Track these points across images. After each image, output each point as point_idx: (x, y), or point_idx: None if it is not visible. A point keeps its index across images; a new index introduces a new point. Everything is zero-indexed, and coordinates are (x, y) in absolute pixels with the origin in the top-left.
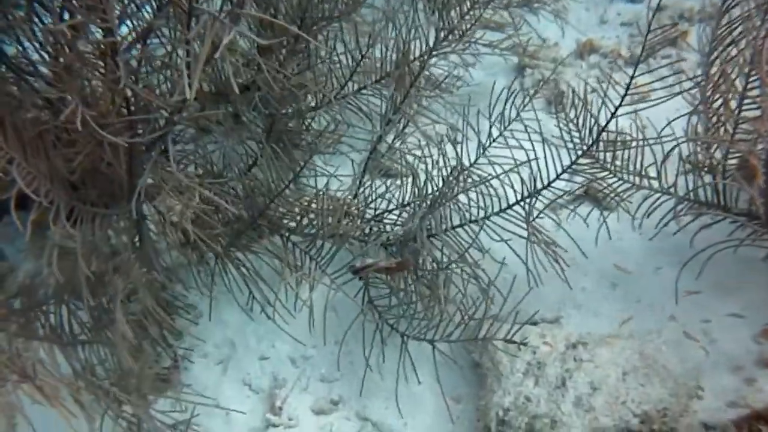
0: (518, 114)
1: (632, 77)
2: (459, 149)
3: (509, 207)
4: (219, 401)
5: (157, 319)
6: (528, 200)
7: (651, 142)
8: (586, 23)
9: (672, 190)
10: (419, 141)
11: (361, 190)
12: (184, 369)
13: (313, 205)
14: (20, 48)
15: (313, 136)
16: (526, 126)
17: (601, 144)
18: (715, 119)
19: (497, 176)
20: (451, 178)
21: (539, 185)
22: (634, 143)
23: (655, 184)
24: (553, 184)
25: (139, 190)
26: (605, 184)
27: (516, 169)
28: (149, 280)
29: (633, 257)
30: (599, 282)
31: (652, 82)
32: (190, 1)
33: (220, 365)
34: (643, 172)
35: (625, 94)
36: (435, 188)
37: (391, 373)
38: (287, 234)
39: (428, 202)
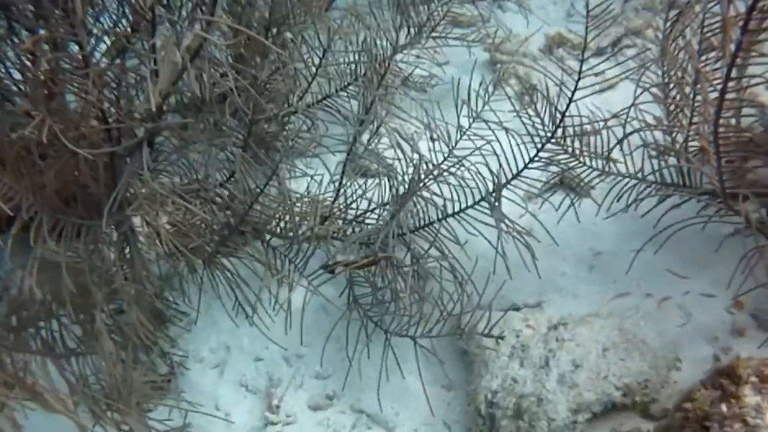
0: (485, 105)
1: (581, 64)
2: (432, 146)
3: (482, 199)
4: (217, 404)
5: (149, 328)
6: (497, 192)
7: (611, 125)
8: (554, 17)
9: (639, 174)
10: (392, 141)
11: (342, 191)
12: (181, 375)
13: (296, 208)
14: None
15: (289, 137)
16: (487, 122)
17: (565, 131)
18: (673, 106)
19: (460, 163)
20: (416, 175)
21: (509, 176)
22: (594, 128)
23: (622, 168)
24: (529, 175)
25: (117, 201)
26: (576, 173)
27: (486, 162)
28: (140, 291)
29: (607, 240)
30: (577, 266)
31: (612, 68)
32: (153, 10)
33: (216, 369)
34: (609, 159)
35: (578, 80)
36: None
37: (386, 363)
38: (268, 239)
39: (398, 200)
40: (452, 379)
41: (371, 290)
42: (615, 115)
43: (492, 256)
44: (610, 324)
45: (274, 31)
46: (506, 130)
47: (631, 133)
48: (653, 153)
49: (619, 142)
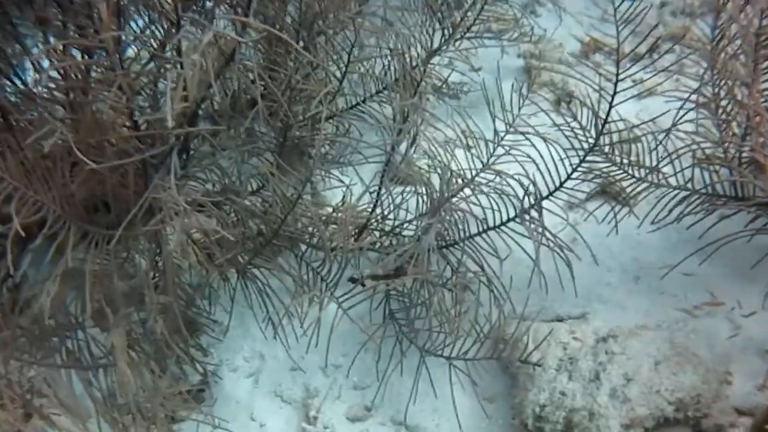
0: (520, 110)
1: (617, 68)
2: (468, 155)
3: (523, 212)
4: (252, 414)
5: (179, 337)
6: (538, 204)
7: (660, 137)
8: (588, 22)
9: (689, 185)
10: (428, 152)
11: (378, 202)
12: (215, 384)
13: (331, 219)
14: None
15: (323, 143)
16: (525, 134)
17: (608, 140)
18: (724, 115)
19: (498, 174)
20: (447, 188)
21: (551, 187)
22: (636, 136)
23: (672, 181)
24: (570, 184)
25: (143, 210)
26: (623, 185)
27: (525, 173)
28: (170, 300)
29: (652, 250)
30: (623, 276)
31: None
32: (177, 11)
33: (251, 378)
34: (657, 170)
35: (616, 85)
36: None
37: (423, 377)
38: (302, 252)
39: (433, 211)
40: (495, 391)
41: (407, 305)
42: (667, 131)
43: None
44: (660, 337)
45: (305, 34)
46: (545, 139)
47: (684, 148)
48: (704, 164)
49: (669, 155)
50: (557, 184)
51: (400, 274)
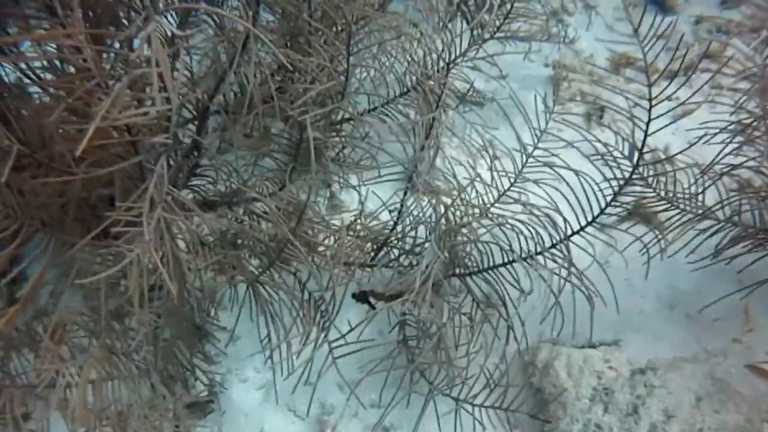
0: (546, 125)
1: (650, 96)
2: (494, 172)
3: (552, 246)
4: (263, 429)
5: (187, 343)
6: (566, 240)
7: (701, 167)
8: (620, 35)
9: (735, 218)
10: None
11: (399, 221)
12: (222, 395)
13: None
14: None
15: (341, 146)
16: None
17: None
18: None
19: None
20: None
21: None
22: (682, 168)
23: (720, 214)
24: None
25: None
26: (661, 213)
27: (554, 206)
28: (177, 304)
29: (688, 278)
30: (656, 304)
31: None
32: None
33: (262, 390)
34: (701, 202)
35: (650, 112)
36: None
37: (443, 398)
38: (303, 281)
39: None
40: (521, 417)
41: (419, 333)
42: (710, 166)
43: (567, 289)
44: (701, 371)
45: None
46: (576, 172)
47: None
48: (749, 196)
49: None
50: (588, 212)
51: (398, 296)
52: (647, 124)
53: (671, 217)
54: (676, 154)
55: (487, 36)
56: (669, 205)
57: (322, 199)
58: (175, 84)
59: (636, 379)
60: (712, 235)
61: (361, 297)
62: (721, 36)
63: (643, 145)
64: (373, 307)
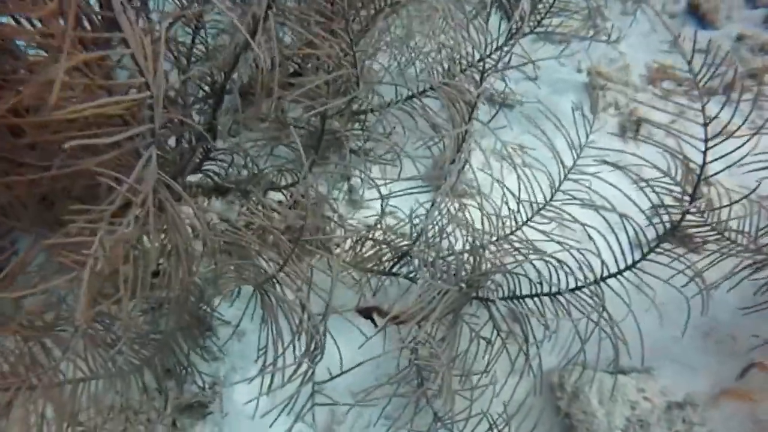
0: (587, 139)
1: (705, 118)
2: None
3: (584, 286)
4: None
5: (188, 335)
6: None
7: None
8: (656, 46)
9: None
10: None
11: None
12: (223, 394)
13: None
14: None
15: (363, 137)
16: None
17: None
18: None
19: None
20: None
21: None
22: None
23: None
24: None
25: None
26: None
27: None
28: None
29: (725, 306)
30: (692, 331)
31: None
32: None
33: (264, 394)
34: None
35: (707, 142)
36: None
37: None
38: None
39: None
40: None
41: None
42: None
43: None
44: (742, 410)
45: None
46: (622, 216)
47: None
48: None
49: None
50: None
51: (402, 318)
52: (705, 150)
53: (719, 249)
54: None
55: (527, 30)
56: (721, 237)
57: (339, 193)
58: (159, 69)
59: (673, 413)
60: (757, 270)
61: (366, 313)
62: (763, 55)
63: (701, 173)
64: (376, 325)
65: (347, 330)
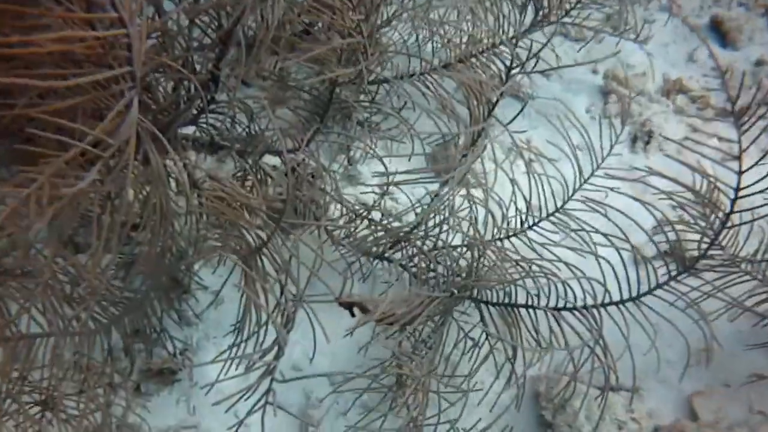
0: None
1: (741, 145)
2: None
3: (583, 308)
4: (237, 410)
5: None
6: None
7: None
8: (674, 57)
9: None
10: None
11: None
12: (194, 363)
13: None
14: None
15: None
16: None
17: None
18: None
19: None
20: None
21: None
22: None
23: None
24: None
25: None
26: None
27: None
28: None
29: (720, 333)
30: (684, 356)
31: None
32: None
33: (241, 367)
34: None
35: (741, 174)
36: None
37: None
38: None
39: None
40: None
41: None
42: None
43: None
44: None
45: None
46: (643, 256)
47: None
48: None
49: None
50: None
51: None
52: (738, 180)
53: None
54: None
55: (553, 19)
56: (733, 266)
57: (338, 166)
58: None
59: None
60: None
61: (347, 306)
62: None
63: (733, 204)
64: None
65: (334, 312)
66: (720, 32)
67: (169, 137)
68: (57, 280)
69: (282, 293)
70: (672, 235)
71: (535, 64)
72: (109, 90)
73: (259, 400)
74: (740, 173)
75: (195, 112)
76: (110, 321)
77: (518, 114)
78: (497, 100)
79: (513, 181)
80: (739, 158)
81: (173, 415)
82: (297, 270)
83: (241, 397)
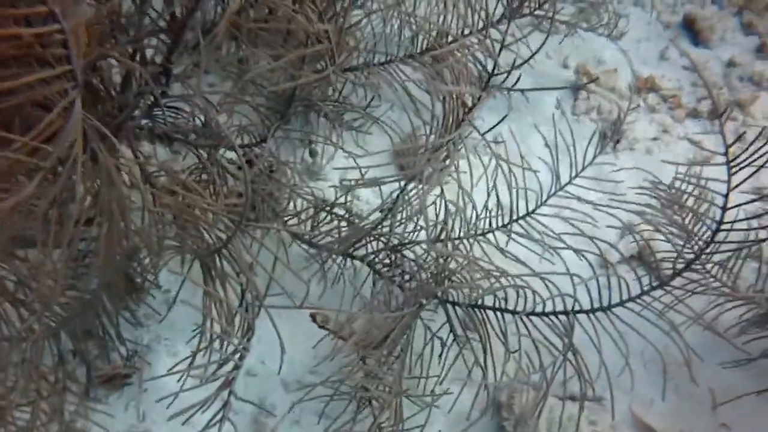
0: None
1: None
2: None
3: (553, 314)
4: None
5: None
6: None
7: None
8: (646, 55)
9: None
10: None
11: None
12: (147, 367)
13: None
14: None
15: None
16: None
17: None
18: None
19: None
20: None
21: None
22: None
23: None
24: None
25: None
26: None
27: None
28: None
29: (691, 344)
30: (650, 366)
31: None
32: None
33: (197, 377)
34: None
35: (730, 192)
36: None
37: None
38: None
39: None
40: None
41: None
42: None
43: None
44: None
45: None
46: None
47: None
48: None
49: None
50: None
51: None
52: (726, 195)
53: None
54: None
55: (526, 11)
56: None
57: (299, 160)
58: None
59: None
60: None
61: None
62: (751, 86)
63: (723, 216)
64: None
65: (292, 315)
66: (693, 30)
67: (120, 129)
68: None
69: (243, 297)
70: (641, 240)
71: (518, 80)
72: (54, 86)
73: (217, 413)
74: (724, 209)
75: (149, 103)
76: (60, 323)
77: (498, 123)
78: (474, 105)
79: (493, 185)
80: (726, 197)
81: (122, 420)
82: (257, 272)
83: (198, 410)
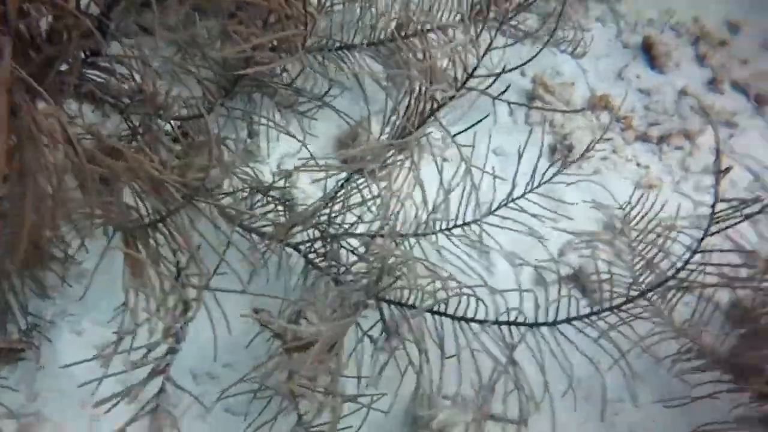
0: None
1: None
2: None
3: (495, 323)
4: (84, 400)
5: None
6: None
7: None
8: (604, 72)
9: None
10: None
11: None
12: (47, 344)
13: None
14: None
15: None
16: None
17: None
18: None
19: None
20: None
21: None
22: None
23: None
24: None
25: None
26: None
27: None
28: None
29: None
30: (578, 392)
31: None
32: None
33: (96, 351)
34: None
35: (713, 219)
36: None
37: None
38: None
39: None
40: None
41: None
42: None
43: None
44: None
45: None
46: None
47: None
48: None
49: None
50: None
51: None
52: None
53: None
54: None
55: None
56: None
57: (237, 140)
58: None
59: None
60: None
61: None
62: (700, 118)
63: (698, 246)
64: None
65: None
66: (650, 54)
67: (43, 83)
68: None
69: (179, 276)
70: (576, 261)
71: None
72: None
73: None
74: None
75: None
76: None
77: (475, 124)
78: (443, 104)
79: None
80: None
81: (11, 398)
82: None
83: (118, 402)
